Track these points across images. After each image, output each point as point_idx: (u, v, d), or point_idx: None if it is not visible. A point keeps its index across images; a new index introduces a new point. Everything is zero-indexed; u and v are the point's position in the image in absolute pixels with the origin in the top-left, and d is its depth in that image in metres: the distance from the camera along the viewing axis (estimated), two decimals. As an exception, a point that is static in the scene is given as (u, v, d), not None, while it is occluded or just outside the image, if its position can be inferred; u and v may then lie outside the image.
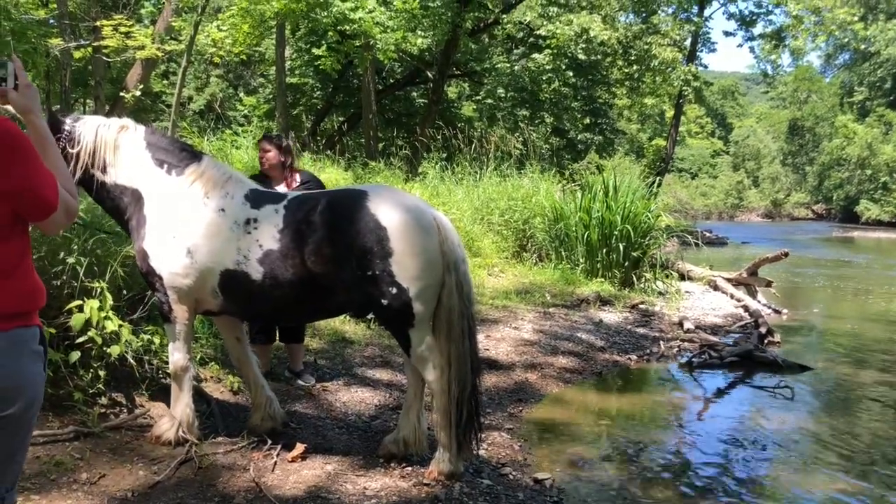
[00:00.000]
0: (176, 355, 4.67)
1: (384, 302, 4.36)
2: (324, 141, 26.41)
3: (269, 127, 26.72)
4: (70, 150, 4.51)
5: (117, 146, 4.63)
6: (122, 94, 15.11)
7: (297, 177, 6.10)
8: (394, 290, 4.32)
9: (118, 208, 4.70)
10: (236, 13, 17.21)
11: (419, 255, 4.34)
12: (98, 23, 14.93)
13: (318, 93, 29.17)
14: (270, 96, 31.05)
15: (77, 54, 16.83)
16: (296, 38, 26.69)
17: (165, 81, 30.41)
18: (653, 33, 24.12)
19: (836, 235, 44.39)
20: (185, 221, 4.47)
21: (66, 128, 4.56)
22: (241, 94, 37.77)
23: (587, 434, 6.07)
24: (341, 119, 30.64)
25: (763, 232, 43.23)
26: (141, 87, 15.96)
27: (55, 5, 18.87)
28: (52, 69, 19.28)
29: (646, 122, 61.35)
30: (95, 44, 15.20)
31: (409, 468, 4.73)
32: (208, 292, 4.52)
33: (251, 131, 24.78)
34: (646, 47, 23.14)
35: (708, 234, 34.31)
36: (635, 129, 61.23)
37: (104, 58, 15.42)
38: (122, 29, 14.07)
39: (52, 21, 18.35)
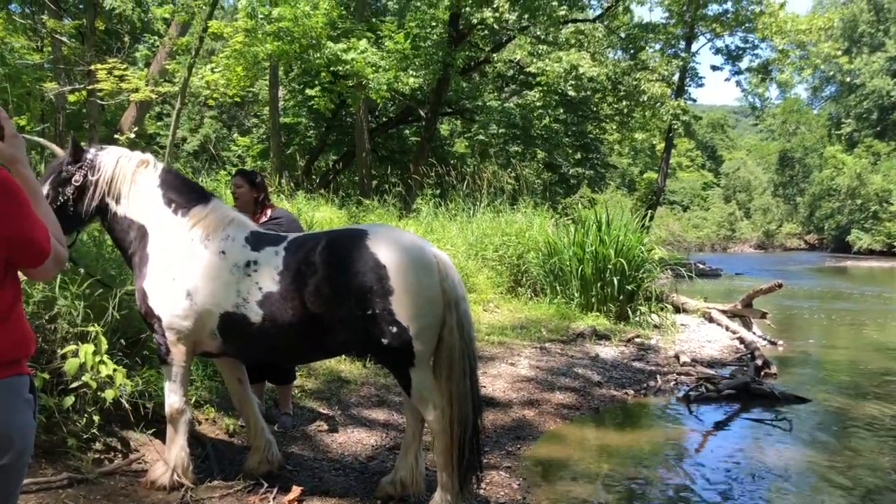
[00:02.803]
0: (172, 398, 4.64)
1: (384, 341, 4.34)
2: (318, 180, 26.58)
3: (264, 166, 26.85)
4: (90, 178, 4.60)
5: (134, 180, 4.67)
6: (116, 136, 15.18)
7: (269, 212, 6.08)
8: (394, 329, 4.31)
9: (124, 241, 4.72)
10: (230, 55, 17.38)
11: (419, 293, 4.34)
12: (92, 66, 15.05)
13: (312, 132, 29.36)
14: (264, 136, 31.28)
15: (72, 98, 16.98)
16: (289, 79, 26.94)
17: (160, 123, 30.59)
18: (641, 69, 24.43)
19: (829, 265, 44.53)
20: (185, 263, 4.48)
21: (89, 156, 4.66)
22: (235, 135, 37.99)
23: (586, 471, 6.02)
24: (335, 158, 30.81)
25: (756, 263, 43.32)
26: (136, 129, 16.07)
27: (50, 50, 19.07)
28: (47, 112, 19.40)
29: (637, 156, 61.78)
30: (90, 87, 15.31)
31: (407, 510, 4.68)
32: (207, 334, 4.51)
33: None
34: (634, 83, 23.41)
35: (701, 266, 34.36)
36: (626, 164, 61.65)
37: (98, 101, 15.53)
38: (116, 72, 14.22)
39: (46, 66, 18.53)
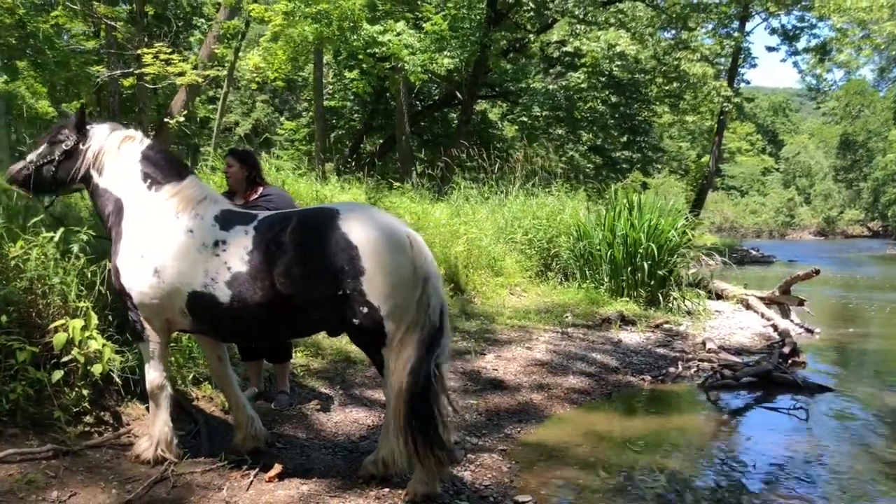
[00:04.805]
0: (151, 374, 4.69)
1: (356, 321, 4.32)
2: (355, 163, 26.78)
3: (309, 150, 27.11)
4: (80, 147, 4.78)
5: (118, 154, 4.76)
6: (166, 119, 15.47)
7: (260, 190, 6.09)
8: (365, 310, 4.28)
9: (103, 213, 4.82)
10: (269, 38, 17.51)
11: (391, 273, 4.29)
12: (139, 51, 15.32)
13: (356, 116, 29.52)
14: (311, 120, 31.59)
15: (126, 82, 17.31)
16: (338, 63, 27.08)
17: (212, 107, 31.10)
18: (682, 49, 23.83)
19: (891, 253, 42.99)
20: (154, 240, 4.50)
21: (88, 127, 4.84)
22: (283, 119, 38.40)
23: (584, 457, 5.90)
24: (380, 141, 30.95)
25: (813, 250, 42.10)
26: (185, 112, 16.34)
27: (105, 35, 19.49)
28: (105, 97, 19.92)
29: (695, 139, 60.54)
30: (138, 72, 15.59)
31: (387, 489, 4.66)
32: (177, 312, 4.53)
33: (292, 154, 25.21)
34: (675, 63, 22.86)
35: (754, 253, 33.67)
36: (684, 147, 60.49)
37: (147, 85, 15.82)
38: (162, 56, 14.44)
39: (102, 51, 18.97)
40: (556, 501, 5.01)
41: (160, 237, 4.50)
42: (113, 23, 17.16)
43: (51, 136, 4.85)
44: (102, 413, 5.23)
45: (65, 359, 4.86)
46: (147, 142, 4.87)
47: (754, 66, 66.18)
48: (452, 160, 16.32)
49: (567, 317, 11.00)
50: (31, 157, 4.88)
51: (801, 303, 12.50)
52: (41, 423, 4.83)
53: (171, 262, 4.45)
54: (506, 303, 11.60)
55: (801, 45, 31.80)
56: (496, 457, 5.64)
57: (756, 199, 72.29)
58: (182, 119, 15.81)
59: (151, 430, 4.79)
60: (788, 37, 31.56)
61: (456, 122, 29.11)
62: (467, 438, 5.97)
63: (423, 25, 18.19)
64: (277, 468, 4.78)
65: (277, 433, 5.62)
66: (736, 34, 29.86)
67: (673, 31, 27.39)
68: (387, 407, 4.79)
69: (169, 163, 4.81)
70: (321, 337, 7.61)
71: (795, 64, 33.21)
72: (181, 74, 14.46)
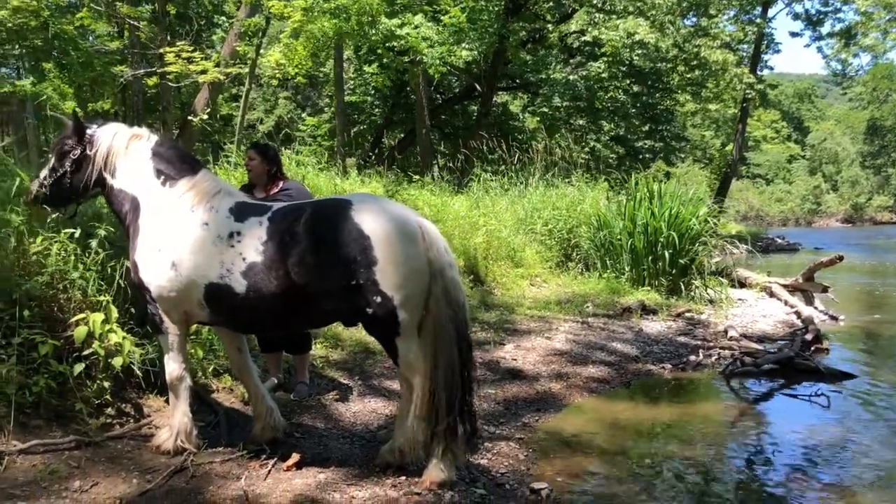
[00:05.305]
0: (171, 365, 4.77)
1: (369, 311, 4.36)
2: (383, 157, 26.83)
3: (331, 145, 27.20)
4: (88, 152, 4.78)
5: (127, 153, 4.80)
6: (190, 118, 15.61)
7: (280, 184, 6.16)
8: (378, 299, 4.32)
9: (120, 213, 4.87)
10: (289, 34, 17.60)
11: (403, 263, 4.33)
12: (161, 50, 15.47)
13: (377, 110, 29.57)
14: (332, 115, 31.69)
15: (150, 81, 17.50)
16: (358, 58, 27.14)
17: (234, 104, 31.31)
18: (703, 36, 23.59)
19: (921, 239, 42.26)
20: (171, 234, 4.56)
21: (89, 131, 4.84)
22: (305, 115, 38.56)
23: (601, 445, 5.89)
24: (401, 135, 31.01)
25: (840, 237, 41.52)
26: (208, 110, 16.49)
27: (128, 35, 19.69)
28: (129, 97, 20.15)
29: (719, 128, 59.91)
30: (160, 71, 15.74)
31: (403, 477, 4.69)
32: (195, 305, 4.60)
33: (314, 150, 25.31)
34: (695, 50, 22.64)
35: (780, 241, 33.31)
36: (708, 136, 59.92)
37: (169, 83, 15.97)
38: (184, 55, 14.57)
39: (125, 52, 19.18)
40: (572, 489, 5.01)
41: (176, 231, 4.56)
42: (136, 23, 17.35)
43: (58, 149, 4.83)
44: (123, 405, 5.33)
45: (86, 352, 4.97)
46: (155, 138, 4.91)
47: (778, 52, 65.05)
48: (472, 152, 16.32)
49: (587, 307, 10.97)
50: (43, 173, 4.89)
51: (825, 290, 12.37)
52: (64, 414, 4.93)
53: (188, 255, 4.51)
54: (525, 293, 11.60)
55: (825, 29, 31.41)
56: (513, 445, 5.66)
57: (782, 186, 71.43)
58: (205, 117, 15.96)
59: (171, 421, 4.87)
60: (812, 21, 31.15)
61: (476, 114, 29.12)
62: (484, 427, 5.98)
63: (441, 18, 18.18)
64: (295, 457, 4.84)
65: (296, 423, 5.69)
66: (758, 20, 29.52)
67: (693, 19, 27.15)
68: (402, 396, 4.84)
69: (181, 158, 4.87)
70: (340, 328, 7.67)
71: (820, 49, 32.80)
72: (203, 72, 14.59)
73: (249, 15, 16.60)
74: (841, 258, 12.47)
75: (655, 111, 29.32)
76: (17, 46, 17.01)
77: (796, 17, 31.17)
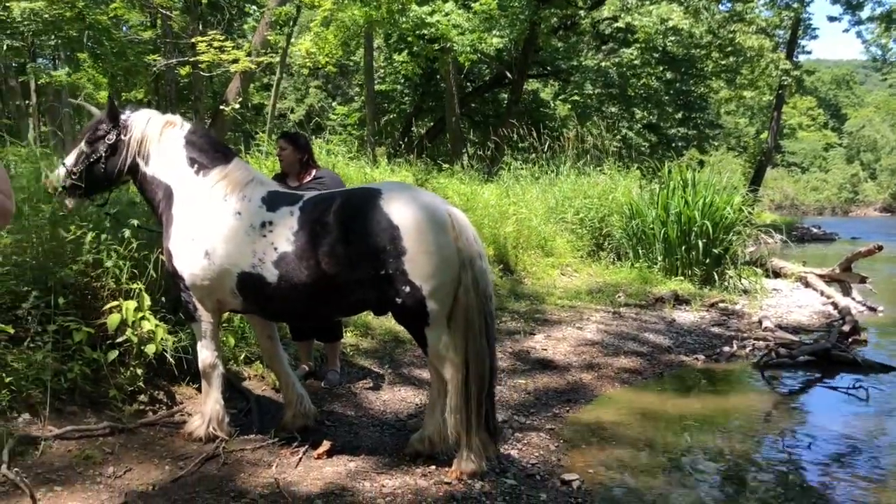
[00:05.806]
0: (203, 353, 4.80)
1: (398, 301, 4.35)
2: (413, 146, 26.83)
3: (361, 134, 27.25)
4: (122, 137, 4.77)
5: (161, 140, 4.80)
6: (222, 107, 15.71)
7: (313, 172, 6.16)
8: (407, 289, 4.30)
9: (153, 201, 4.87)
10: (319, 22, 17.61)
11: (433, 252, 4.30)
12: (193, 39, 15.57)
13: (407, 99, 29.54)
14: (362, 104, 31.74)
15: (183, 71, 17.67)
16: (388, 46, 27.12)
17: (266, 93, 31.46)
18: (737, 21, 23.18)
19: (962, 229, 41.32)
20: (204, 223, 4.58)
21: (123, 117, 4.83)
22: (335, 104, 38.65)
23: (633, 437, 5.83)
24: (431, 124, 30.97)
25: (879, 227, 40.67)
26: (239, 99, 16.58)
27: (160, 25, 19.87)
28: (162, 86, 20.35)
29: (754, 115, 58.99)
30: (192, 60, 15.86)
31: (433, 467, 4.69)
32: (228, 293, 4.61)
33: (344, 138, 25.36)
34: (730, 36, 22.27)
35: (815, 230, 32.74)
36: (743, 124, 59.07)
37: (202, 73, 16.10)
38: (216, 44, 14.67)
39: (158, 41, 19.37)
40: (603, 480, 4.96)
41: (209, 220, 4.58)
42: (168, 12, 17.49)
43: (89, 135, 4.80)
44: (156, 392, 5.39)
45: (119, 339, 5.02)
46: (188, 126, 4.92)
47: (815, 37, 63.98)
48: (502, 141, 16.23)
49: (619, 296, 10.88)
50: (69, 160, 4.81)
51: (863, 280, 12.15)
52: (98, 401, 5.00)
53: (221, 244, 4.52)
54: (556, 283, 11.53)
55: (864, 13, 30.65)
56: (544, 436, 5.61)
57: (818, 175, 70.22)
58: (237, 106, 16.05)
59: (203, 409, 4.91)
60: (851, 6, 30.43)
61: (506, 102, 28.97)
62: (515, 417, 5.97)
63: (472, 5, 18.06)
64: (326, 445, 4.85)
65: (327, 411, 5.71)
66: (795, 5, 28.93)
67: (728, 4, 26.71)
68: (432, 385, 4.83)
69: (214, 147, 4.87)
70: (371, 317, 7.68)
71: (859, 34, 32.28)
72: (235, 62, 14.68)
73: (280, 4, 16.62)
74: (880, 248, 12.22)
75: (689, 98, 28.95)
76: (52, 37, 17.25)
77: (835, 1, 30.49)
